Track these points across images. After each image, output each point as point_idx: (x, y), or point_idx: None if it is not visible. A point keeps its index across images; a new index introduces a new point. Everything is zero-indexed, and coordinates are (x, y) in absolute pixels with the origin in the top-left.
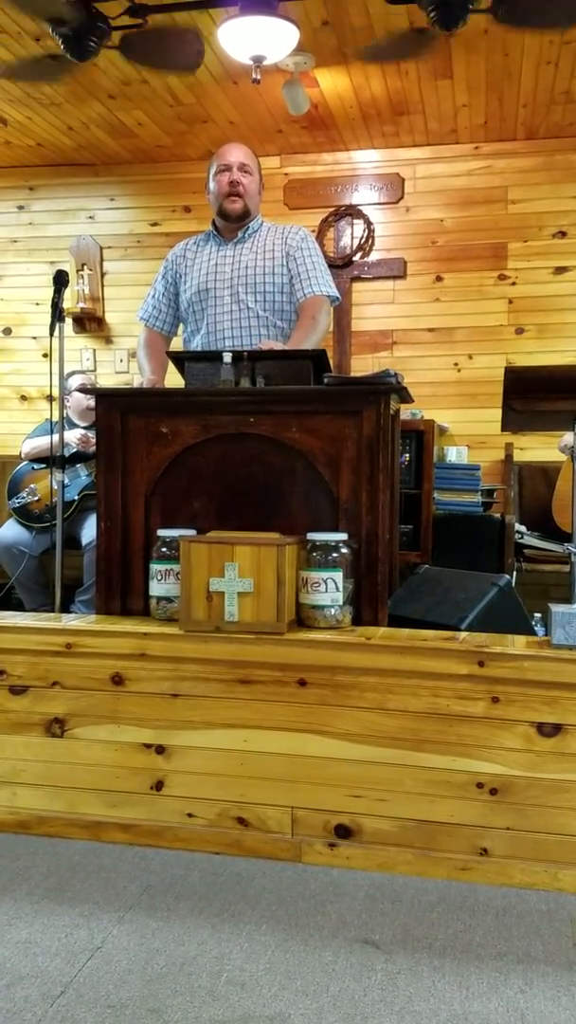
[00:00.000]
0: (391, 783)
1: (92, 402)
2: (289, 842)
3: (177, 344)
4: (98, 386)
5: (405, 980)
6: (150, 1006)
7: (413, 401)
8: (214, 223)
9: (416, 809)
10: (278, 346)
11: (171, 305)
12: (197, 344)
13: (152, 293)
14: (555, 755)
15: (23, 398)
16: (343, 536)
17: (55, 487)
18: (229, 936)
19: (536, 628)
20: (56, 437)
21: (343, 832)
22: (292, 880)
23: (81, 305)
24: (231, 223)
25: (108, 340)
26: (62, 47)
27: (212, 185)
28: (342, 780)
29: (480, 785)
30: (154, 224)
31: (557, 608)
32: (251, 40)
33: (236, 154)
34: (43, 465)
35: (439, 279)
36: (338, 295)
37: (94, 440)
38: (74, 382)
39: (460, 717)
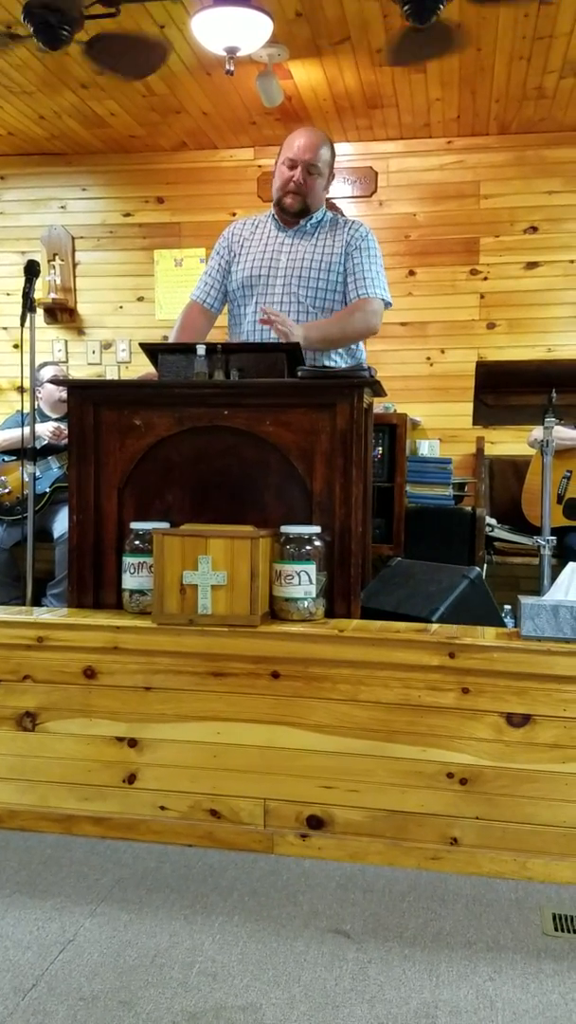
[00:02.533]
0: (363, 774)
1: (64, 394)
2: (261, 834)
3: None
4: (70, 377)
5: (376, 969)
6: (122, 998)
7: (386, 395)
8: (276, 206)
9: (387, 799)
10: (289, 323)
11: (223, 282)
12: (242, 330)
13: (206, 271)
14: (524, 745)
15: None
16: (316, 529)
17: (26, 479)
18: (201, 927)
19: (506, 620)
20: (28, 429)
21: (315, 823)
22: (264, 871)
23: (53, 296)
24: (292, 218)
25: (80, 331)
26: (32, 34)
27: (277, 172)
28: (314, 771)
29: (450, 775)
30: (127, 215)
31: (526, 600)
32: (225, 31)
33: (305, 149)
34: (14, 457)
35: (412, 273)
36: (391, 300)
37: (66, 432)
38: (46, 373)
39: (431, 708)
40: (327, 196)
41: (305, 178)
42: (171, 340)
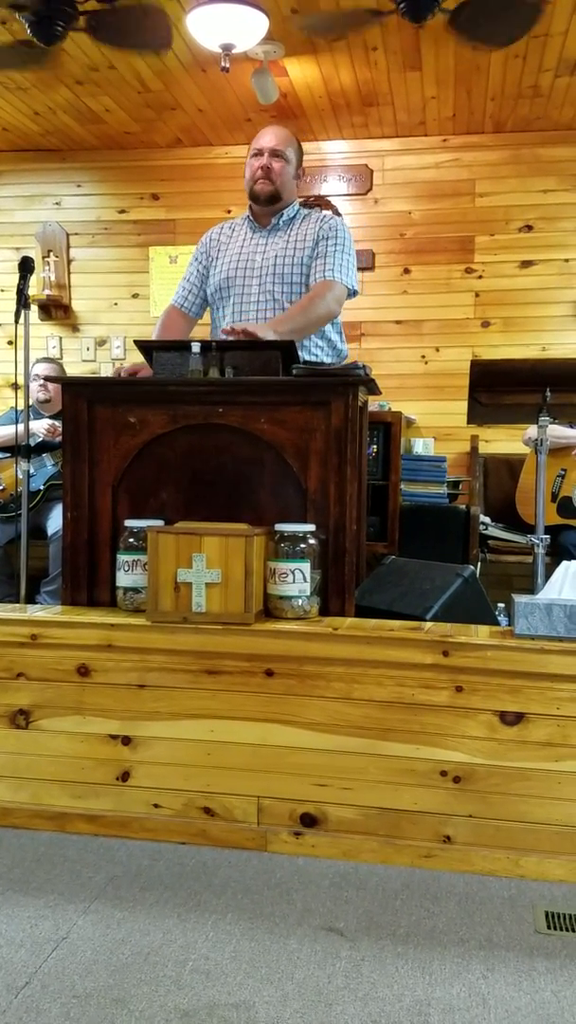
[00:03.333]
0: (356, 772)
1: (42, 394)
2: (255, 831)
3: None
4: (65, 375)
5: (369, 967)
6: (115, 996)
7: (381, 393)
8: (250, 208)
9: (380, 797)
10: (251, 327)
11: (201, 287)
12: (219, 332)
13: (185, 276)
14: (517, 743)
15: None
16: (311, 527)
17: (20, 477)
18: (195, 925)
19: (500, 618)
20: (22, 426)
21: (308, 821)
22: (258, 869)
23: (47, 292)
24: (263, 206)
25: (75, 328)
26: (28, 31)
27: (247, 169)
28: (308, 769)
29: (443, 773)
30: (122, 211)
31: (520, 599)
32: (220, 28)
33: (269, 139)
34: (8, 455)
35: (407, 271)
36: (356, 287)
37: (60, 429)
38: (37, 370)
39: (424, 706)
40: (323, 195)
41: (272, 163)
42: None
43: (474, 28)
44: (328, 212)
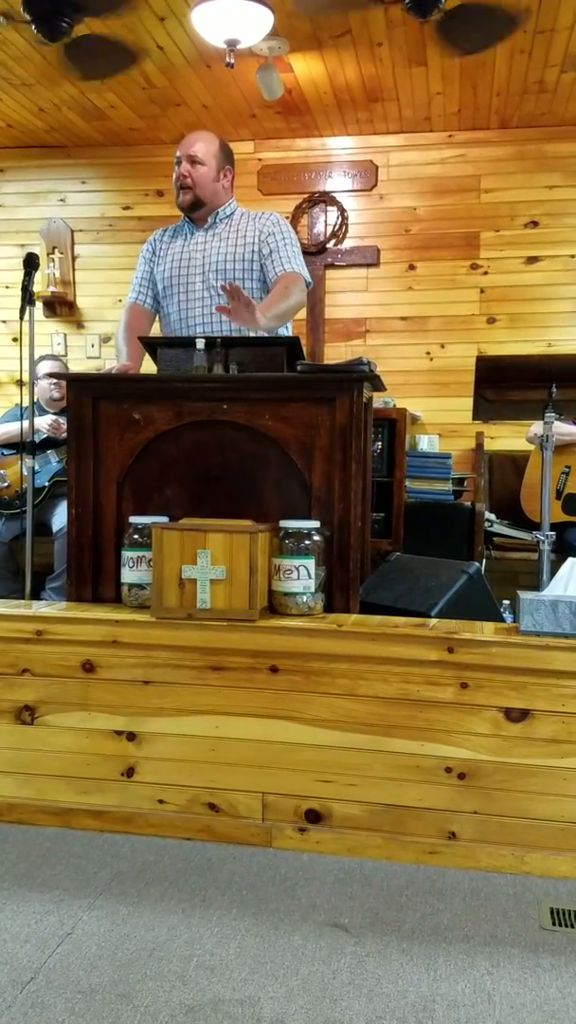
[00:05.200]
0: (361, 768)
1: (56, 392)
2: (260, 827)
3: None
4: (69, 371)
5: (374, 963)
6: (120, 991)
7: (385, 389)
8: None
9: (385, 794)
10: (245, 298)
11: (152, 283)
12: (168, 331)
13: (136, 275)
14: (522, 740)
15: None
16: (315, 524)
17: (25, 473)
18: (199, 921)
19: (505, 615)
20: (26, 423)
21: (313, 817)
22: (262, 865)
23: (52, 289)
24: (191, 214)
25: (79, 325)
26: (34, 28)
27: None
28: (312, 765)
29: (448, 770)
30: (126, 208)
31: (525, 595)
32: (225, 24)
33: (186, 145)
34: (13, 451)
35: (412, 267)
36: (310, 280)
37: (65, 426)
38: (42, 367)
39: (429, 703)
40: (328, 192)
41: (188, 171)
42: (120, 338)
43: (450, 32)
44: (268, 211)
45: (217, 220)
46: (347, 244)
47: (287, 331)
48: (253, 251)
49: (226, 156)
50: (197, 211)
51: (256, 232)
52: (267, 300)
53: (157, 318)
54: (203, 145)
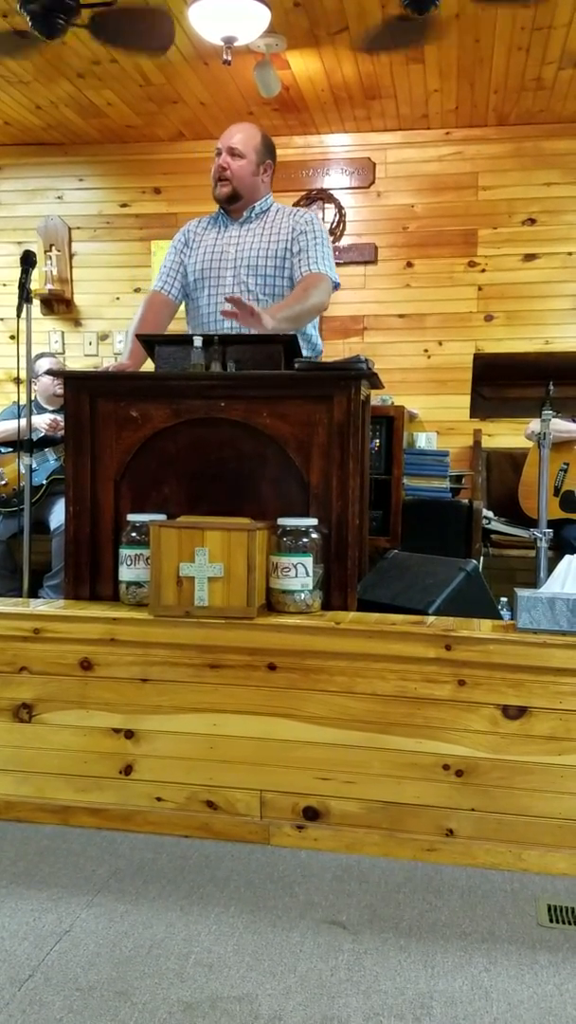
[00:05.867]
0: (359, 765)
1: (59, 388)
2: (258, 825)
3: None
4: (67, 369)
5: (371, 960)
6: (118, 988)
7: (383, 387)
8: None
9: (383, 791)
10: (251, 308)
11: (181, 274)
12: (196, 324)
13: (165, 263)
14: (520, 737)
15: None
16: (313, 521)
17: (23, 471)
18: (197, 918)
19: (502, 612)
20: (24, 421)
21: (311, 814)
22: (260, 862)
23: (49, 287)
24: (228, 207)
25: (77, 322)
26: (30, 24)
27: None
28: (310, 763)
29: (446, 767)
30: (124, 205)
31: (523, 593)
32: (222, 20)
33: (225, 137)
34: (10, 449)
35: (410, 265)
36: (338, 280)
37: (63, 424)
38: (42, 365)
39: (427, 700)
40: (325, 189)
41: (228, 162)
42: (133, 328)
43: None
44: (304, 209)
45: (253, 215)
46: (345, 242)
47: (315, 329)
48: (285, 248)
49: (267, 150)
50: (234, 204)
51: (289, 229)
52: (280, 303)
53: (184, 307)
54: (244, 137)
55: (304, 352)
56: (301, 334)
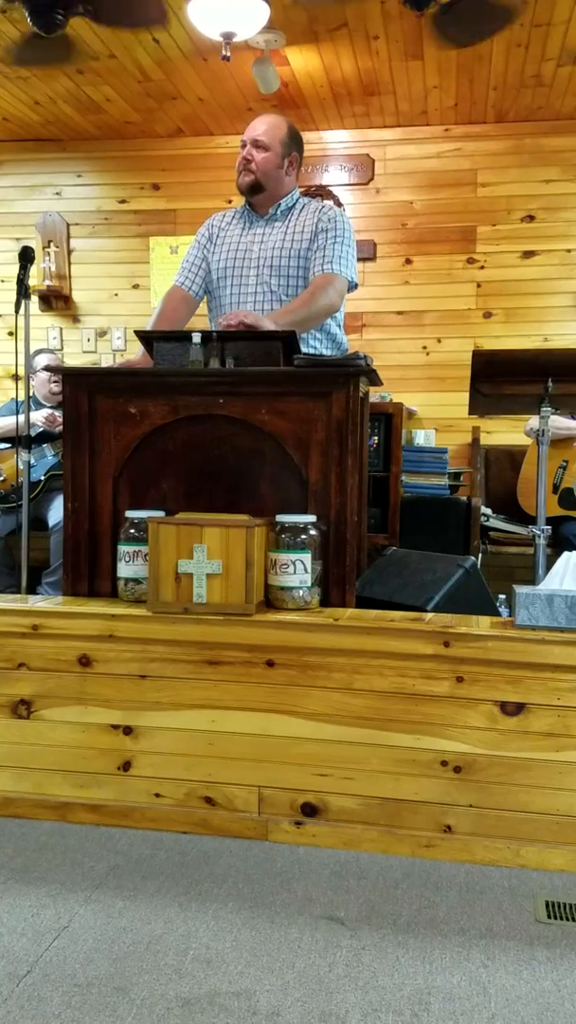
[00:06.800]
0: (357, 762)
1: (55, 385)
2: (256, 821)
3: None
4: (65, 365)
5: (370, 956)
6: (116, 984)
7: (382, 384)
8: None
9: (381, 787)
10: (251, 317)
11: (203, 269)
12: (219, 322)
13: (187, 258)
14: (518, 734)
15: None
16: (312, 518)
17: (21, 467)
18: (196, 914)
19: (501, 609)
20: (22, 417)
21: (309, 810)
22: (259, 858)
23: (47, 283)
24: (251, 197)
25: (75, 319)
26: (28, 19)
27: None
28: (309, 759)
29: (444, 763)
30: (122, 201)
31: (521, 589)
32: (221, 16)
33: (251, 129)
34: (8, 445)
35: (408, 262)
36: (356, 279)
37: (61, 419)
38: (40, 362)
39: (425, 696)
40: (324, 185)
41: (252, 155)
42: (151, 324)
43: (446, 26)
44: (329, 202)
45: (278, 212)
46: None
47: (340, 328)
48: (308, 247)
49: (294, 142)
50: (257, 195)
51: (313, 225)
52: (284, 307)
53: (206, 304)
54: (269, 129)
55: (327, 350)
56: (326, 333)
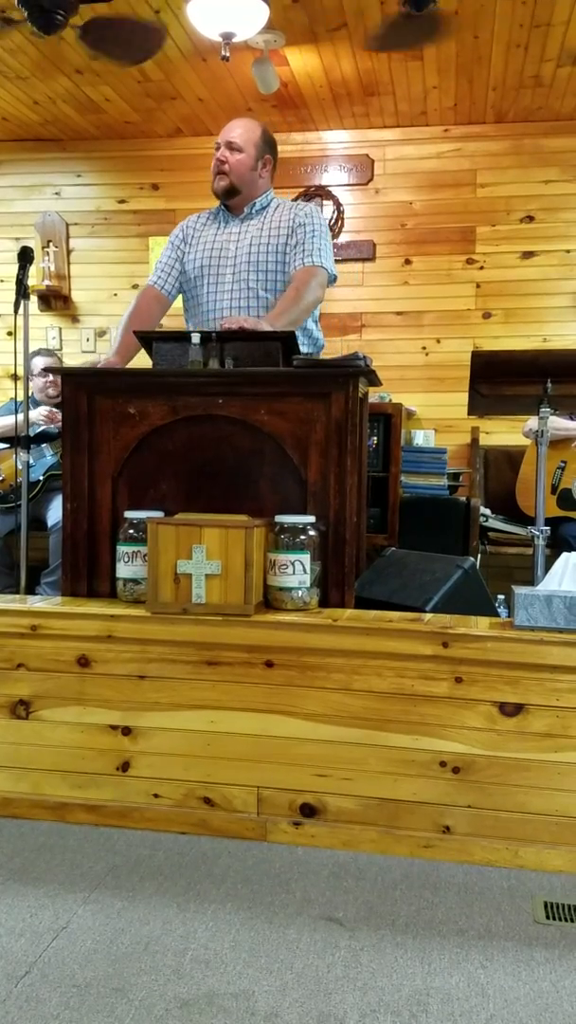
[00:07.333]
0: (356, 762)
1: (52, 390)
2: (255, 821)
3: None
4: (64, 365)
5: (368, 956)
6: (115, 985)
7: (381, 384)
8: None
9: (380, 788)
10: (250, 322)
11: (176, 270)
12: (196, 321)
13: (161, 259)
14: (516, 734)
15: None
16: (311, 519)
17: (20, 467)
18: (194, 915)
19: (500, 610)
20: (21, 417)
21: (308, 811)
22: (257, 859)
23: (47, 283)
24: (226, 200)
25: (74, 319)
26: (28, 20)
27: None
28: (308, 760)
29: (443, 764)
30: (121, 201)
31: (520, 590)
32: (221, 16)
33: (225, 131)
34: (7, 445)
35: (408, 262)
36: (335, 272)
37: (60, 417)
38: (36, 363)
39: (424, 697)
40: (324, 185)
41: (226, 156)
42: (124, 321)
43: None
44: (304, 202)
45: (253, 211)
46: (343, 239)
47: (316, 324)
48: (285, 243)
49: (267, 145)
50: (232, 198)
51: (289, 222)
52: (276, 308)
53: (182, 304)
54: (243, 132)
55: (304, 347)
56: (302, 330)
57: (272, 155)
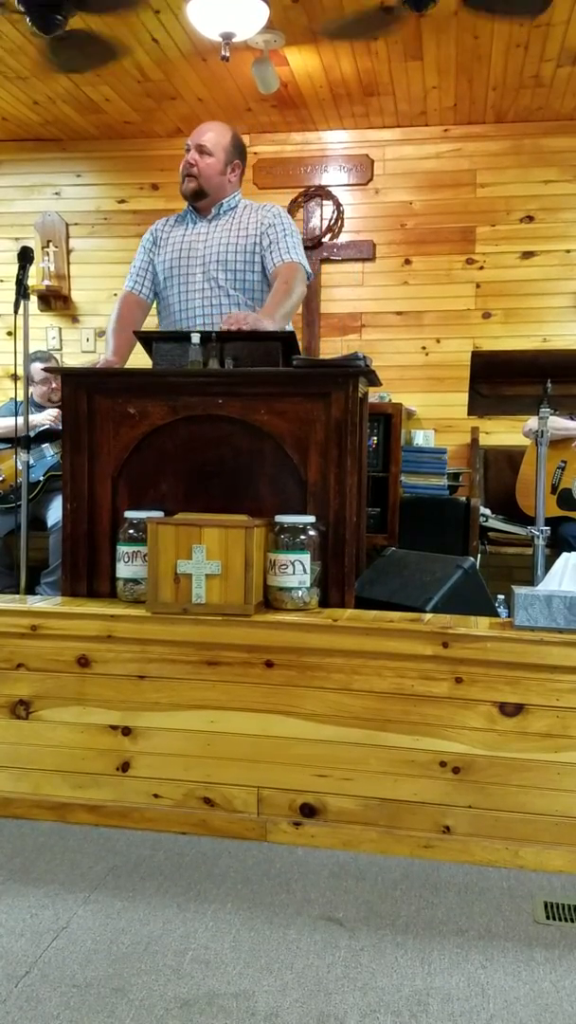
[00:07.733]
0: (356, 762)
1: (55, 395)
2: (255, 821)
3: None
4: (63, 365)
5: (368, 957)
6: (115, 985)
7: (381, 384)
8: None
9: (380, 788)
10: (251, 319)
11: (150, 273)
12: (168, 322)
13: (135, 264)
14: (516, 734)
15: None
16: (311, 519)
17: (20, 468)
18: (194, 915)
19: (500, 610)
20: (21, 418)
21: (308, 811)
22: (257, 859)
23: (46, 283)
24: (194, 203)
25: (74, 319)
26: (28, 21)
27: None
28: (308, 760)
29: (443, 764)
30: (121, 201)
31: (520, 590)
32: (220, 17)
33: (196, 134)
34: (7, 445)
35: (408, 262)
36: (311, 271)
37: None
38: (37, 367)
39: (424, 697)
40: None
41: (196, 159)
42: (110, 329)
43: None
44: (270, 203)
45: (221, 212)
46: (343, 239)
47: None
48: (255, 243)
49: (236, 150)
50: (200, 201)
51: (258, 223)
52: (270, 301)
53: (155, 307)
54: (213, 136)
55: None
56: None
57: (241, 160)
